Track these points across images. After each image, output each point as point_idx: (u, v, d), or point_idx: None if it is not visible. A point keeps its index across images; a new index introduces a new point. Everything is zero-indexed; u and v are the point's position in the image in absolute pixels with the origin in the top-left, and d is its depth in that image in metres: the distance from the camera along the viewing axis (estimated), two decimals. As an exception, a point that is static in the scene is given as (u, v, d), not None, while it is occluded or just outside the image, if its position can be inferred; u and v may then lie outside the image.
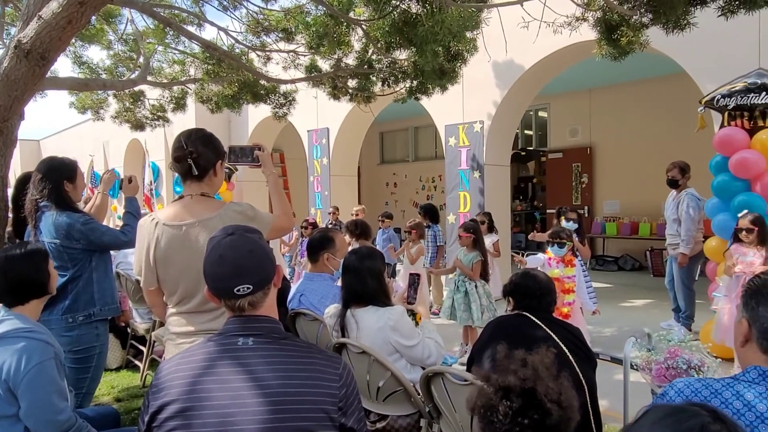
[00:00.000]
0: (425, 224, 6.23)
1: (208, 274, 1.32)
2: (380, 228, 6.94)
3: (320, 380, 1.26)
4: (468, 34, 4.39)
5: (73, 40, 5.07)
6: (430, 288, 6.40)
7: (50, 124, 53.85)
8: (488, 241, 5.18)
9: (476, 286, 4.51)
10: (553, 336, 1.90)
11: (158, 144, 11.44)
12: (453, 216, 7.22)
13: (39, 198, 2.60)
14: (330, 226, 7.10)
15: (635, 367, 2.24)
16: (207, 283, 1.33)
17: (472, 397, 1.11)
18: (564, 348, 1.85)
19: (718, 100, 4.45)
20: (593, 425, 1.84)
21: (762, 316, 1.22)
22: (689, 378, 1.56)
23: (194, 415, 1.21)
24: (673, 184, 5.09)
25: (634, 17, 3.57)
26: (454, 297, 4.58)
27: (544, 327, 1.95)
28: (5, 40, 4.80)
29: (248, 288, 1.28)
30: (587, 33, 4.34)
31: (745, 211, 4.01)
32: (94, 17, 5.01)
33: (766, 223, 3.90)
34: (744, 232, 3.87)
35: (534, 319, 2.00)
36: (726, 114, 4.42)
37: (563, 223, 4.95)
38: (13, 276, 2.02)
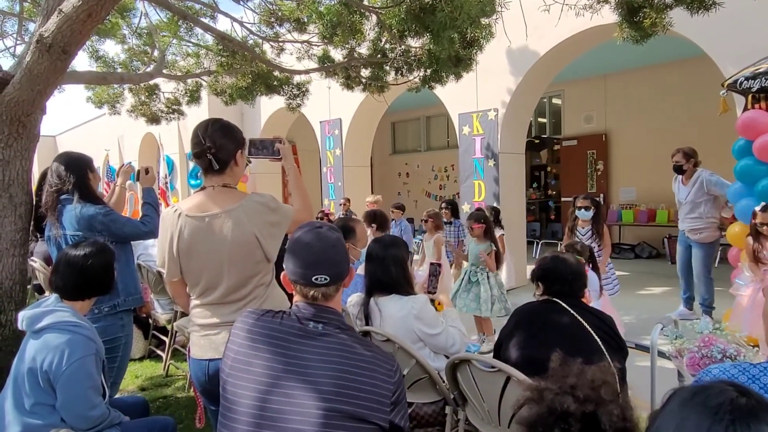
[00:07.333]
0: (447, 220, 6.16)
1: (291, 258, 1.39)
2: (392, 219, 6.91)
3: (379, 374, 1.31)
4: (484, 20, 4.32)
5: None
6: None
7: (64, 120, 54.44)
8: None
9: (488, 277, 4.45)
10: (584, 323, 1.87)
11: (172, 137, 11.50)
12: (467, 205, 7.18)
13: (62, 189, 2.62)
14: (344, 216, 7.10)
15: (667, 355, 2.20)
16: (287, 267, 1.40)
17: (519, 403, 1.03)
18: (595, 336, 1.83)
19: (741, 83, 4.34)
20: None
21: None
22: (724, 364, 1.53)
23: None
24: (679, 170, 5.00)
25: (657, -2, 3.48)
26: (461, 284, 4.55)
27: (575, 314, 1.91)
28: (24, 36, 4.84)
29: (326, 279, 1.35)
30: (606, 16, 4.25)
31: (764, 203, 3.88)
32: (108, 11, 5.01)
33: None
34: (765, 227, 3.75)
35: (564, 305, 1.96)
36: (750, 97, 4.32)
37: (576, 212, 4.83)
38: (90, 274, 2.05)
